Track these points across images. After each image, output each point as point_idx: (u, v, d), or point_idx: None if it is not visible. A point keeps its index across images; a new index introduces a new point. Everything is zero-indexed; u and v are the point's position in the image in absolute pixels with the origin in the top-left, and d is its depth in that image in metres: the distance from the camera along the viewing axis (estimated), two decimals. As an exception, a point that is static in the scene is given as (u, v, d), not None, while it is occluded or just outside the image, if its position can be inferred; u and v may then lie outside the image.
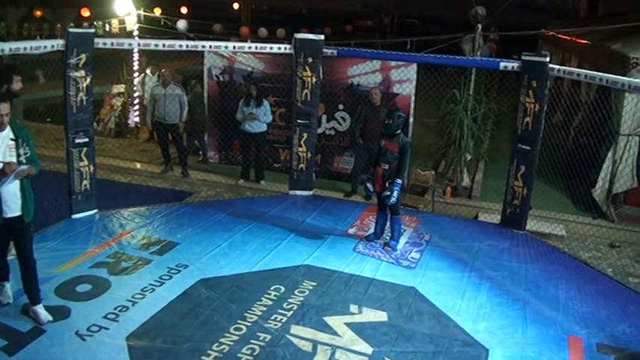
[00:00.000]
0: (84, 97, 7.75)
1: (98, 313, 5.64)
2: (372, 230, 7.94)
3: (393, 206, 7.52)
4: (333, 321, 5.78)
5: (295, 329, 5.60)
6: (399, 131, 7.38)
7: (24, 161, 5.28)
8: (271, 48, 9.41)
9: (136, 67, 13.31)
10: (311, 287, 6.42)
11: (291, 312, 5.89)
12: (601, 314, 6.27)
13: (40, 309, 5.49)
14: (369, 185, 7.63)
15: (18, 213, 5.38)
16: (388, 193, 7.33)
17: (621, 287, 7.16)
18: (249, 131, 10.17)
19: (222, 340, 5.35)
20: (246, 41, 18.46)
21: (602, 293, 6.82)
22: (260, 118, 10.05)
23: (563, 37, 14.56)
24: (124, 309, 5.76)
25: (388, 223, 7.74)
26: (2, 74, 6.53)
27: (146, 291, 6.12)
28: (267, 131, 10.41)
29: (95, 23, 12.81)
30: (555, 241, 8.58)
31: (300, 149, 9.36)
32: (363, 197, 9.69)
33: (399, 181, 7.34)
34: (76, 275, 6.35)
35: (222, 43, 9.45)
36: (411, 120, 9.94)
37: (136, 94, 13.28)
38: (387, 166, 7.38)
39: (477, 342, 5.60)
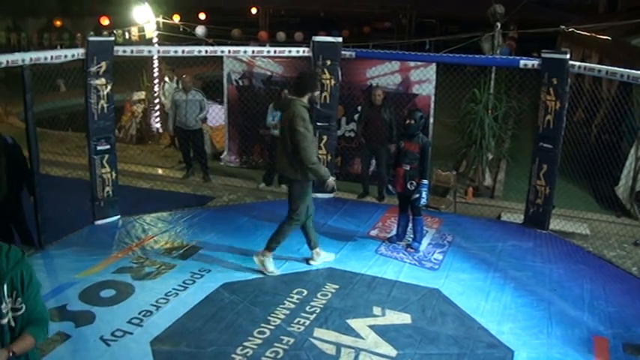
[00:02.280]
0: (105, 105, 7.82)
1: (122, 318, 5.69)
2: (394, 232, 7.92)
3: (415, 207, 7.49)
4: (356, 324, 5.77)
5: (318, 332, 5.60)
6: (418, 131, 7.36)
7: (11, 322, 3.11)
8: (290, 51, 9.42)
9: (156, 74, 13.42)
10: (334, 290, 6.41)
11: (314, 315, 5.88)
12: (627, 314, 6.18)
13: None
14: (390, 187, 7.62)
15: None
16: (417, 195, 7.31)
17: (647, 286, 7.07)
18: (277, 135, 10.19)
19: (245, 343, 5.36)
20: (264, 45, 18.52)
21: (628, 292, 6.74)
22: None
23: (582, 33, 14.43)
24: (148, 314, 5.80)
25: (410, 225, 7.71)
26: (308, 81, 6.63)
27: (170, 295, 6.15)
28: None
29: (115, 31, 12.96)
30: (579, 240, 8.49)
31: (320, 152, 9.35)
32: (376, 199, 9.71)
33: (425, 181, 7.32)
34: (100, 280, 6.40)
35: (241, 48, 9.50)
36: (432, 120, 9.90)
37: (156, 101, 13.39)
38: (407, 167, 7.35)
39: (501, 343, 5.56)
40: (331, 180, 6.76)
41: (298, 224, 6.83)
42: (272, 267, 6.82)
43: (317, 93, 6.76)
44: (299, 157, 6.41)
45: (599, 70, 7.90)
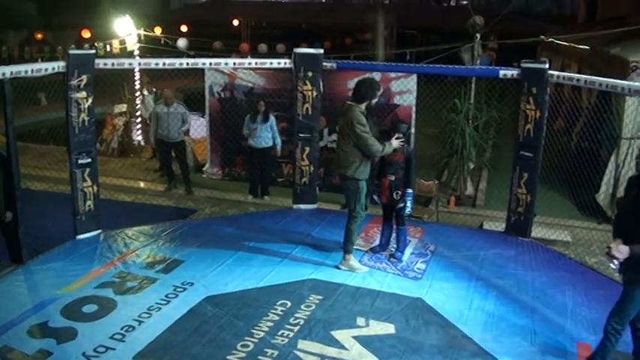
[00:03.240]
0: (86, 118, 7.78)
1: (105, 334, 5.63)
2: (377, 242, 7.93)
3: (400, 217, 7.52)
4: (340, 335, 5.75)
5: (303, 344, 5.57)
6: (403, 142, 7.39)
7: None
8: (271, 63, 9.45)
9: (137, 87, 13.39)
10: (317, 301, 6.40)
11: (298, 327, 5.86)
12: (609, 320, 6.22)
13: None
14: (375, 197, 7.62)
15: None
16: (402, 204, 7.34)
17: (629, 292, 7.11)
18: (254, 147, 10.23)
19: (229, 357, 5.32)
20: (246, 57, 18.55)
21: (610, 298, 6.69)
22: (260, 134, 10.12)
23: (562, 43, 14.59)
24: (131, 329, 5.74)
25: (393, 235, 7.73)
26: (367, 90, 6.97)
27: (152, 310, 6.10)
28: (272, 146, 10.46)
29: (96, 44, 12.92)
30: (561, 247, 8.55)
31: (303, 163, 9.37)
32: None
33: (410, 191, 7.37)
34: (81, 296, 6.34)
35: (223, 60, 9.49)
36: (413, 130, 9.95)
37: (138, 113, 13.35)
38: (392, 177, 7.37)
39: (485, 352, 5.57)
40: (395, 145, 7.09)
41: (360, 220, 7.22)
42: (357, 264, 7.27)
43: (375, 101, 7.03)
44: (368, 154, 6.93)
45: (578, 80, 7.99)
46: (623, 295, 5.15)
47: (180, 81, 14.98)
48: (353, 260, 7.24)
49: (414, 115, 10.13)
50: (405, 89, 10.13)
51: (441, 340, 5.73)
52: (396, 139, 7.12)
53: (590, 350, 5.62)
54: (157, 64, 8.62)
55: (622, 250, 4.90)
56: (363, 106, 6.96)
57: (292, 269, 7.19)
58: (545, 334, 5.92)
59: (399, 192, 7.35)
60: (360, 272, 7.14)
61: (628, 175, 9.24)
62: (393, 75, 10.11)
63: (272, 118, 10.25)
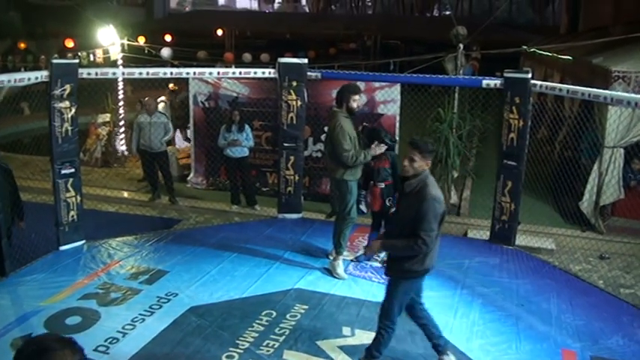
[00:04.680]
0: (69, 128, 7.73)
1: (88, 346, 5.54)
2: (362, 251, 7.92)
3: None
4: (326, 345, 5.74)
5: (288, 354, 5.55)
6: None
7: None
8: (255, 73, 9.45)
9: (121, 96, 13.33)
10: (303, 311, 6.38)
11: (284, 337, 5.84)
12: (594, 326, 6.27)
13: None
14: (362, 207, 7.59)
15: None
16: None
17: (613, 298, 7.17)
18: (230, 156, 10.22)
19: (214, 368, 5.29)
20: (230, 67, 18.54)
21: (594, 305, 6.83)
22: (242, 143, 10.12)
23: (544, 53, 14.72)
24: (115, 341, 5.69)
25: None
26: (342, 94, 7.24)
27: (136, 321, 6.05)
28: (250, 155, 10.45)
29: (79, 54, 12.85)
30: (545, 255, 8.59)
31: (287, 172, 9.36)
32: None
33: None
34: (65, 307, 6.27)
35: (207, 70, 9.49)
36: (397, 139, 9.97)
37: (121, 123, 13.29)
38: (382, 185, 7.38)
39: (471, 360, 5.58)
40: (377, 150, 7.23)
41: (350, 222, 7.37)
42: (340, 271, 7.28)
43: (354, 104, 7.19)
44: (341, 160, 7.10)
45: (561, 89, 8.05)
46: (387, 291, 5.25)
47: (165, 90, 14.94)
48: (339, 262, 7.32)
49: (398, 125, 10.16)
50: (389, 99, 10.17)
51: (427, 350, 5.71)
52: (376, 145, 7.19)
53: (575, 357, 5.66)
54: (140, 73, 8.60)
55: (373, 247, 5.35)
56: (344, 109, 7.20)
57: (277, 279, 7.17)
58: (530, 341, 5.93)
59: (392, 198, 7.36)
60: (339, 278, 7.19)
61: (611, 183, 9.34)
62: (377, 85, 10.14)
63: (247, 128, 10.24)
